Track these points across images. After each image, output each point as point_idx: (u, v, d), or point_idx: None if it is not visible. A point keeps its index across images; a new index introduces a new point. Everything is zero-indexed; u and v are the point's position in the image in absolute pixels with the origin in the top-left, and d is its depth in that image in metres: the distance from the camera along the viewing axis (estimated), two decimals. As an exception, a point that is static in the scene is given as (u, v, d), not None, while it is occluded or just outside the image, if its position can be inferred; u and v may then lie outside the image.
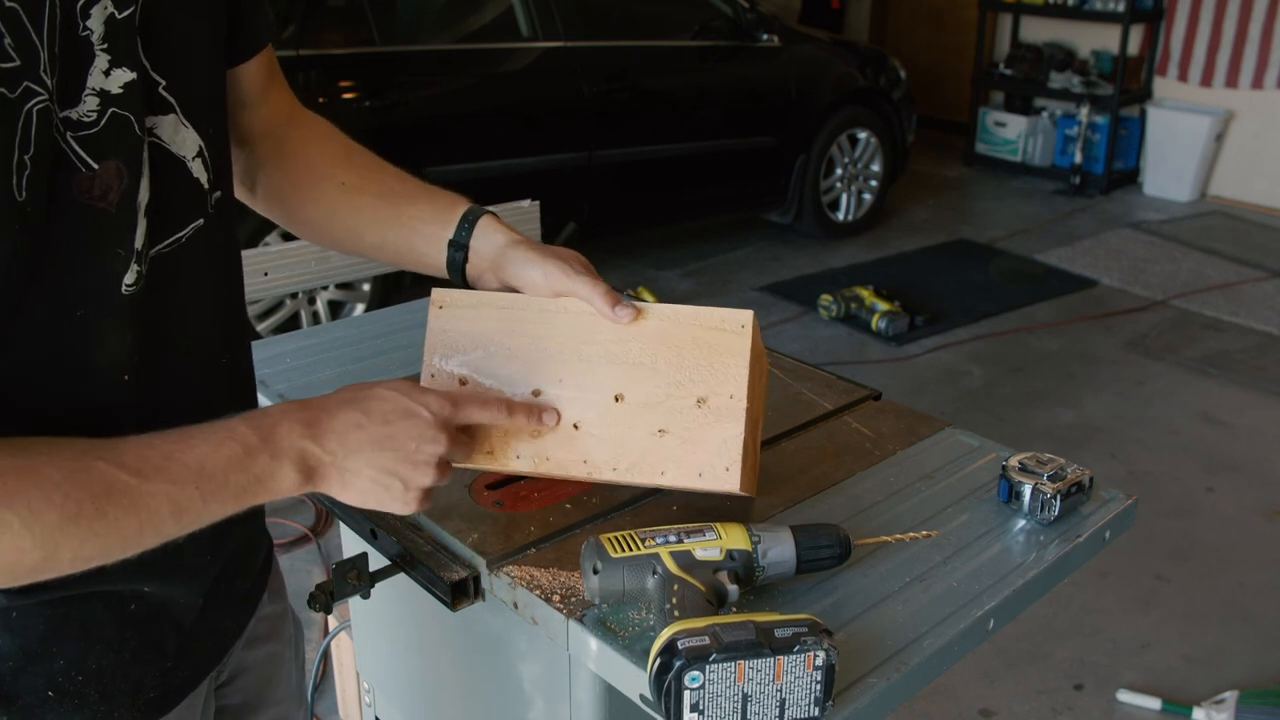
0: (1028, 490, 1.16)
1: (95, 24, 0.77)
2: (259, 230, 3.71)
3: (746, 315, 1.01)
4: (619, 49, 4.77)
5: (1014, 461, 1.19)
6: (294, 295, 3.93)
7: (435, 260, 1.10)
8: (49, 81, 0.73)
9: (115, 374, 0.83)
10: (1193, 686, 2.54)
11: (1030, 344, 4.51)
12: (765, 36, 5.20)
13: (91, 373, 0.82)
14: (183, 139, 0.87)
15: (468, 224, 1.08)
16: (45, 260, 0.76)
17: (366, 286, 4.05)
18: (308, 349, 1.57)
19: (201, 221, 0.90)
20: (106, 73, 0.78)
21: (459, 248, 1.09)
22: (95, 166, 0.77)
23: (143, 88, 0.81)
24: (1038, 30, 7.20)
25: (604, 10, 4.92)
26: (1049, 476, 1.16)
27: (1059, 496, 1.14)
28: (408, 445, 0.88)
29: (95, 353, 0.82)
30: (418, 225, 1.10)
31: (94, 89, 0.77)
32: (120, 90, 0.79)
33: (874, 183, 5.81)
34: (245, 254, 1.65)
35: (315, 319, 4.00)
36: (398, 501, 0.90)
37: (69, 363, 0.80)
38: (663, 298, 4.73)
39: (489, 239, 1.08)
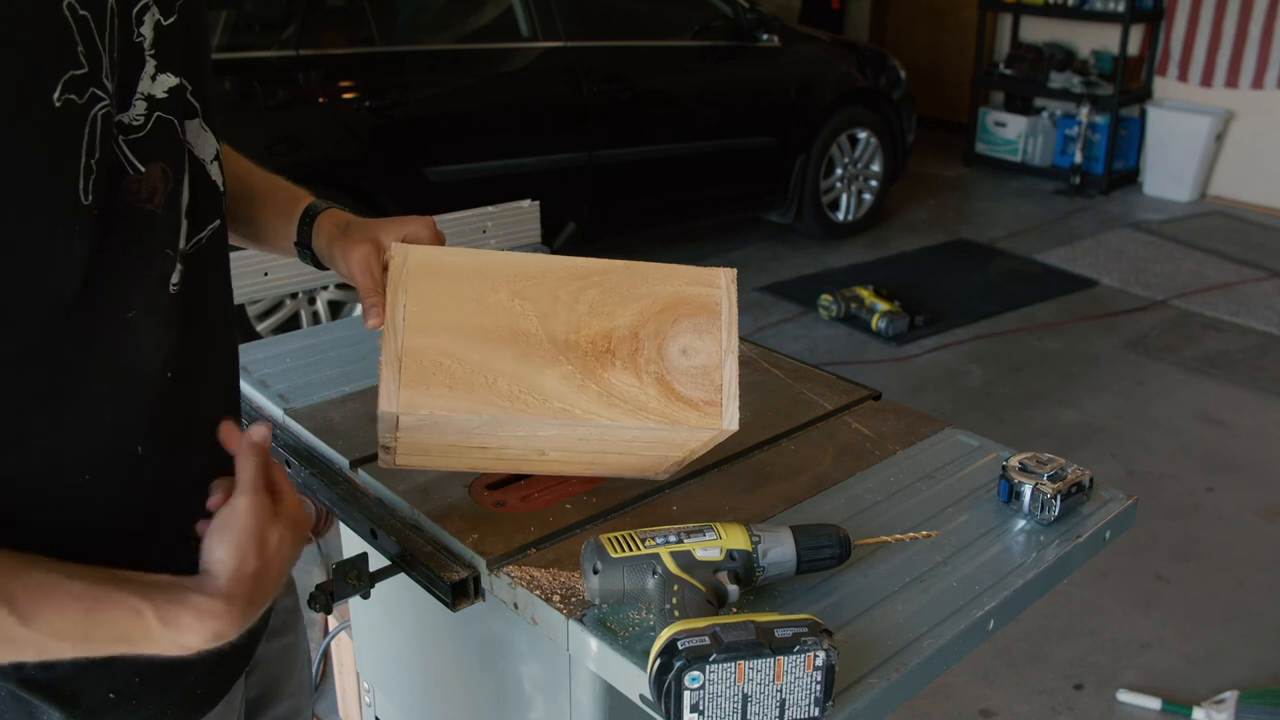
0: (1028, 490, 1.16)
1: (147, 30, 0.79)
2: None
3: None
4: (619, 49, 4.77)
5: (1014, 461, 1.19)
6: (294, 295, 3.93)
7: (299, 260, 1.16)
8: (110, 87, 0.75)
9: (160, 373, 0.85)
10: (1193, 686, 2.54)
11: (1030, 344, 4.51)
12: (765, 36, 5.19)
13: (139, 372, 0.84)
14: (204, 142, 0.89)
15: (306, 226, 1.13)
16: (98, 263, 0.77)
17: (366, 286, 4.04)
18: (308, 349, 1.57)
19: (219, 222, 0.93)
20: (153, 77, 0.80)
21: (304, 248, 1.13)
22: (142, 169, 0.79)
23: (182, 85, 0.83)
24: (1038, 30, 7.20)
25: (604, 10, 4.92)
26: (1049, 476, 1.16)
27: (1059, 496, 1.14)
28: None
29: (144, 353, 0.84)
30: (271, 233, 1.15)
31: (143, 94, 0.79)
32: (165, 95, 0.81)
33: (874, 183, 5.81)
34: (246, 254, 1.65)
35: (315, 319, 4.00)
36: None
37: (119, 364, 0.82)
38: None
39: (321, 238, 1.12)
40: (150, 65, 0.80)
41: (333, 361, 1.53)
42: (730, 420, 0.99)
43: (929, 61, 7.91)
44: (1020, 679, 2.57)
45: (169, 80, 0.82)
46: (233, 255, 1.66)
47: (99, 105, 0.74)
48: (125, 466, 0.84)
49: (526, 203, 1.99)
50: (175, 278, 0.85)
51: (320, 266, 1.14)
